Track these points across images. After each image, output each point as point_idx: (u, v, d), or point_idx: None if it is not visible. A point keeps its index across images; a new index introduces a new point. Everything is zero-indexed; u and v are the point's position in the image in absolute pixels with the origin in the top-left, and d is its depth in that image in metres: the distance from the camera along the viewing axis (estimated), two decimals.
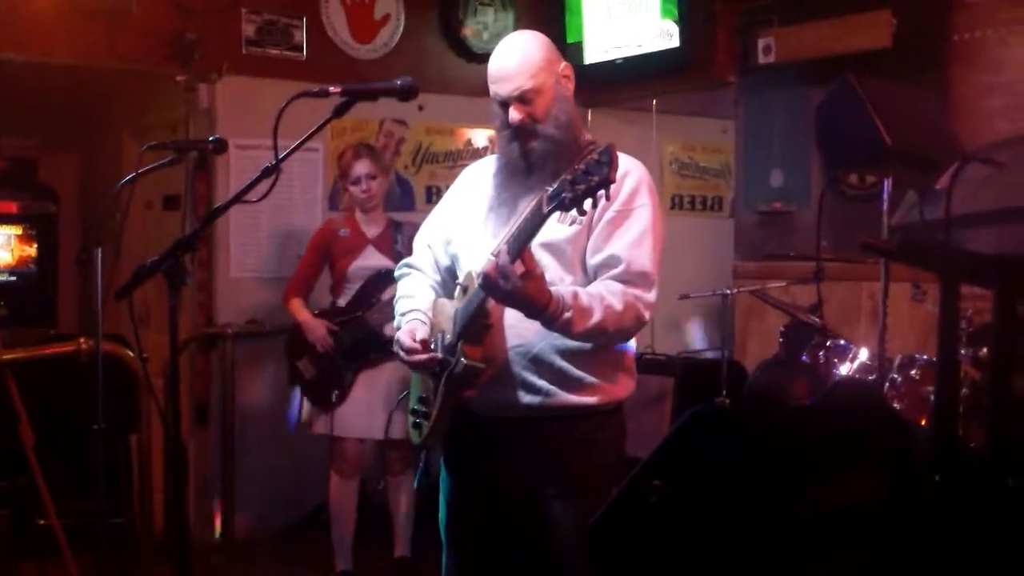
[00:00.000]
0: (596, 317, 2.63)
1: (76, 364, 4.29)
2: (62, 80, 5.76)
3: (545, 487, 2.84)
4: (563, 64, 2.88)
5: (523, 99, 2.77)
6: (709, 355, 5.33)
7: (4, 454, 4.67)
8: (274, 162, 2.67)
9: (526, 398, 2.81)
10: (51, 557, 4.68)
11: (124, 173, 5.67)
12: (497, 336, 2.80)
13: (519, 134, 2.79)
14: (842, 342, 3.89)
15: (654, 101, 6.60)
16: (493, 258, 2.58)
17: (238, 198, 2.83)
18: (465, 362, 2.75)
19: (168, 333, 2.79)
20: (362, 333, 4.65)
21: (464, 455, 2.98)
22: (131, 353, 4.79)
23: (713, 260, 6.55)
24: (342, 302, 4.78)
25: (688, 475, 1.89)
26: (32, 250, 6.63)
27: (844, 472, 1.85)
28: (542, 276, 2.57)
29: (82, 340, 4.41)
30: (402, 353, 2.87)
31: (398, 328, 2.96)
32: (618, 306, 2.67)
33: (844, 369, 3.81)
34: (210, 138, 3.59)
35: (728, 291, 4.92)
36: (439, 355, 2.82)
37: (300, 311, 4.78)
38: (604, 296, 2.67)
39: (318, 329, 4.70)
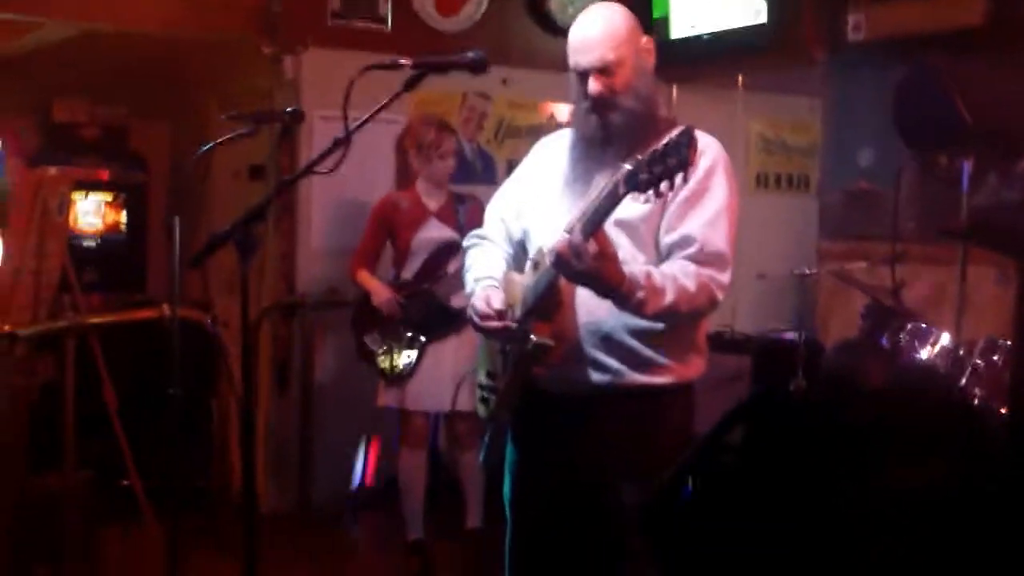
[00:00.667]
0: (669, 298, 2.60)
1: (160, 329, 4.38)
2: (152, 50, 5.86)
3: (615, 467, 2.82)
4: (645, 38, 2.84)
5: (604, 70, 2.74)
6: (789, 335, 5.25)
7: (89, 417, 4.80)
8: (345, 134, 2.67)
9: (596, 377, 2.80)
10: (134, 519, 4.80)
11: (213, 139, 5.79)
12: (568, 313, 2.78)
13: (598, 106, 2.76)
14: (923, 325, 3.80)
15: (740, 78, 6.50)
16: (566, 235, 2.56)
17: (308, 170, 2.86)
18: (535, 339, 2.74)
19: (240, 301, 2.82)
20: (430, 306, 4.66)
21: (531, 432, 2.98)
22: (212, 320, 4.89)
23: (798, 239, 6.45)
24: (407, 275, 4.78)
25: (746, 458, 1.86)
26: (122, 217, 6.77)
27: (909, 461, 1.82)
28: (615, 255, 2.54)
29: (166, 306, 4.48)
30: (476, 318, 2.86)
31: (471, 294, 2.95)
32: (691, 287, 2.64)
33: (924, 353, 3.72)
34: (288, 109, 3.63)
35: (807, 271, 4.83)
36: (512, 324, 2.80)
37: (368, 280, 4.80)
38: (678, 277, 2.64)
39: (385, 293, 4.72)
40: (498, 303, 2.84)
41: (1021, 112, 2.49)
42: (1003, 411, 3.20)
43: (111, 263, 6.47)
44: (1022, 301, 1.90)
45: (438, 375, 4.63)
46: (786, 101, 7.02)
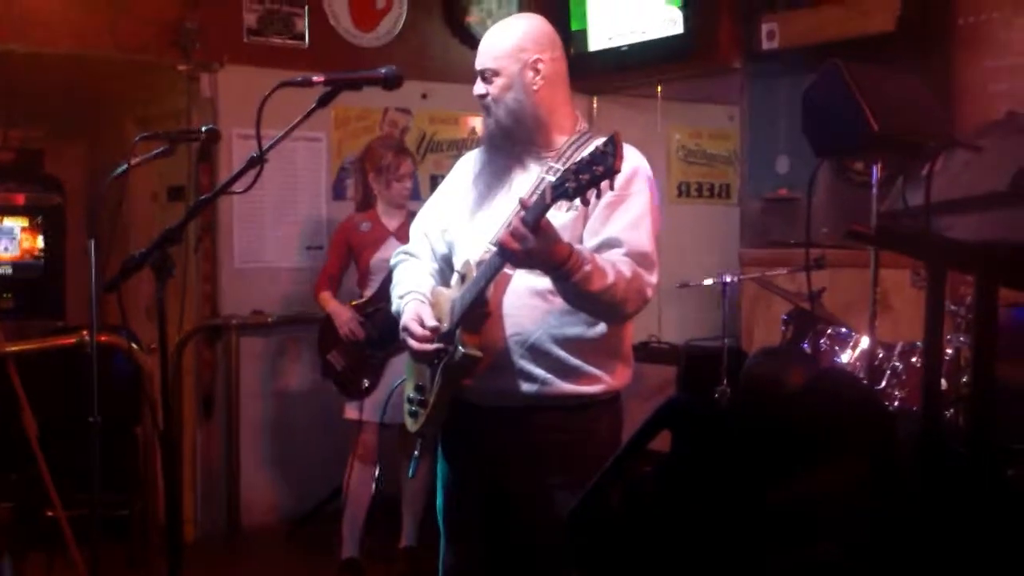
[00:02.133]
0: (611, 277, 2.62)
1: (80, 356, 4.29)
2: (66, 70, 5.76)
3: (547, 477, 2.82)
4: (536, 56, 2.88)
5: (484, 76, 2.91)
6: (714, 344, 5.30)
7: (8, 446, 4.69)
8: (257, 153, 2.66)
9: (524, 387, 2.80)
10: (58, 548, 4.69)
11: (129, 160, 5.67)
12: (495, 325, 2.79)
13: (484, 107, 2.92)
14: (843, 330, 3.86)
15: (659, 88, 6.57)
16: (492, 247, 2.63)
17: (222, 190, 2.85)
18: (463, 350, 2.74)
19: (157, 326, 2.78)
20: (388, 322, 4.69)
21: (461, 444, 2.97)
22: (134, 346, 4.81)
23: (721, 248, 6.53)
24: (368, 294, 4.86)
25: (662, 468, 1.87)
26: (39, 241, 6.64)
27: (821, 462, 1.83)
28: (558, 235, 2.57)
29: (85, 332, 4.40)
30: (411, 341, 2.86)
31: (398, 313, 2.96)
32: (627, 272, 2.67)
33: (845, 357, 3.78)
34: (203, 128, 3.58)
35: (727, 278, 4.88)
36: (443, 345, 2.81)
37: (328, 301, 4.90)
38: (615, 262, 2.68)
39: (344, 314, 4.82)
40: (430, 320, 2.85)
41: (922, 117, 2.54)
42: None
43: (28, 289, 6.34)
44: (932, 301, 1.93)
45: (394, 386, 4.65)
46: (705, 110, 7.11)
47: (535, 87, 2.87)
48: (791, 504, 1.84)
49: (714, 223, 6.96)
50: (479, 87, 2.90)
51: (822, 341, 3.89)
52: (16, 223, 6.59)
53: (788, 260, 5.15)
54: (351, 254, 4.93)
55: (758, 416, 2.07)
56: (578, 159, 2.43)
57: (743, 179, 6.03)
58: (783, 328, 4.27)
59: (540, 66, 2.88)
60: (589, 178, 2.39)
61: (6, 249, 6.41)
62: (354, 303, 4.88)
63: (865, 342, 3.79)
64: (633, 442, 1.93)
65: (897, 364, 3.66)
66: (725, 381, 4.55)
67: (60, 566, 4.72)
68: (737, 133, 6.41)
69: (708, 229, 6.91)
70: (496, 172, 2.90)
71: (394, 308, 3.01)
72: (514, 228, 2.52)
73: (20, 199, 6.66)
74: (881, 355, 3.73)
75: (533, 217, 2.49)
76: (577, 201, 2.47)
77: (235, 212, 5.59)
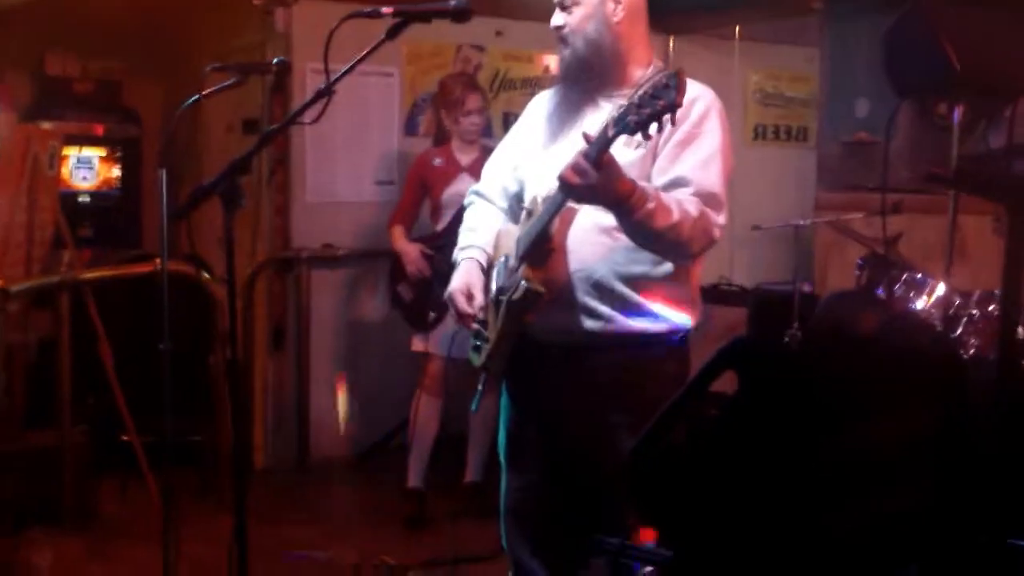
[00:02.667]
0: (675, 216, 2.59)
1: (155, 284, 4.36)
2: (144, 4, 5.80)
3: (609, 416, 2.81)
4: None
5: (563, 5, 2.85)
6: (786, 287, 5.23)
7: (86, 372, 4.80)
8: (326, 85, 2.65)
9: (587, 324, 2.79)
10: (132, 472, 4.81)
11: (203, 101, 5.71)
12: (560, 261, 2.78)
13: (560, 40, 2.86)
14: (919, 276, 3.77)
15: (737, 29, 6.44)
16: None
17: (290, 121, 2.87)
18: (526, 285, 2.74)
19: (225, 255, 2.80)
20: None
21: (524, 380, 2.96)
22: (205, 275, 4.88)
23: (797, 191, 6.43)
24: (439, 227, 4.91)
25: (726, 408, 1.85)
26: (117, 172, 6.73)
27: (890, 410, 1.80)
28: (621, 171, 2.53)
29: (158, 261, 4.47)
30: (451, 303, 2.93)
31: (455, 264, 3.00)
32: (693, 211, 2.63)
33: (920, 303, 3.69)
34: (273, 60, 3.58)
35: (801, 222, 4.80)
36: (481, 328, 2.89)
37: (398, 239, 4.97)
38: (681, 201, 2.64)
39: (412, 252, 4.89)
40: (479, 294, 2.90)
41: (1009, 56, 2.45)
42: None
43: (106, 218, 6.44)
44: (1010, 248, 1.88)
45: None
46: (784, 52, 6.97)
47: (616, 19, 2.81)
48: (858, 451, 1.81)
49: (790, 166, 6.85)
50: (557, 17, 2.84)
51: (897, 287, 3.80)
52: (95, 153, 6.68)
53: (865, 204, 5.04)
54: (424, 189, 4.98)
55: (828, 359, 2.04)
56: (640, 92, 2.40)
57: (821, 122, 5.92)
58: (857, 273, 4.18)
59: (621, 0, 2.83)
60: (650, 112, 2.36)
61: (84, 179, 6.51)
62: (424, 236, 4.95)
63: (941, 288, 3.70)
64: (696, 381, 1.91)
65: (974, 312, 3.56)
66: (796, 324, 4.48)
67: (134, 491, 4.85)
68: (815, 76, 6.28)
69: (784, 172, 6.80)
70: (568, 108, 2.86)
71: (453, 258, 3.04)
72: (575, 162, 2.49)
73: (99, 130, 6.74)
74: (958, 302, 3.63)
75: (595, 151, 2.46)
76: (642, 138, 2.44)
77: (308, 146, 5.62)
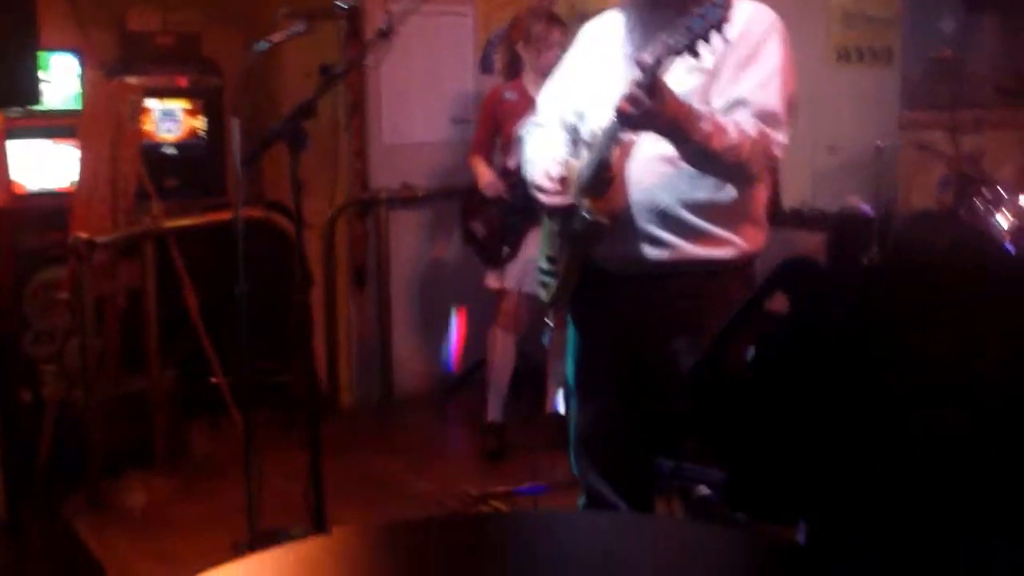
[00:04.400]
0: (733, 137, 2.58)
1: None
2: None
3: (676, 342, 2.79)
4: None
5: None
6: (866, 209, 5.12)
7: (175, 317, 4.93)
8: (387, 26, 2.65)
9: (653, 252, 2.77)
10: (223, 414, 4.94)
11: (282, 48, 5.75)
12: (620, 190, 2.75)
13: None
14: (1000, 190, 3.68)
15: None
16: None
17: (353, 65, 2.86)
18: (588, 216, 2.72)
19: (293, 198, 2.84)
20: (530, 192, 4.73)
21: (591, 310, 2.96)
22: (287, 219, 4.94)
23: (882, 113, 6.25)
24: (512, 163, 4.85)
25: (781, 329, 1.82)
26: (200, 123, 6.81)
27: (955, 327, 1.75)
28: (674, 94, 2.51)
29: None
30: (539, 194, 2.88)
31: (528, 180, 2.97)
32: (752, 132, 2.61)
33: (1001, 218, 3.61)
34: (342, 4, 3.58)
35: (879, 143, 4.68)
36: (573, 200, 2.80)
37: (478, 165, 4.99)
38: (739, 122, 2.62)
39: (487, 176, 4.91)
40: (557, 173, 2.83)
41: None
42: None
43: (191, 169, 6.51)
44: None
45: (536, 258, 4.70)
46: None
47: None
48: (919, 368, 1.77)
49: (875, 88, 6.66)
50: None
51: (979, 203, 3.72)
52: (178, 105, 6.76)
53: (950, 122, 4.89)
54: (496, 124, 4.95)
55: (891, 280, 1.99)
56: (690, 16, 2.37)
57: (904, 39, 5.74)
58: (939, 192, 4.09)
59: None
60: (698, 31, 2.34)
61: (169, 131, 6.59)
62: (499, 173, 4.94)
63: (1023, 201, 3.60)
64: (750, 303, 1.89)
65: None
66: (875, 248, 4.39)
67: (224, 429, 4.98)
68: None
69: (869, 94, 6.61)
70: (640, 36, 2.74)
71: (524, 175, 3.01)
72: (629, 92, 2.46)
73: (182, 82, 6.82)
74: None
75: (649, 77, 2.43)
76: (692, 57, 2.40)
77: (383, 89, 5.63)
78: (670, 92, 2.48)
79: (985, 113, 4.22)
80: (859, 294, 1.87)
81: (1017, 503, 1.78)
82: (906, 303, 1.86)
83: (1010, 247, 3.43)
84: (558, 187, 2.82)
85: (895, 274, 2.15)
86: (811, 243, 4.97)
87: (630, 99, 2.46)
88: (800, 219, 5.15)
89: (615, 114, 2.54)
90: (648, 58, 2.45)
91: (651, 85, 2.43)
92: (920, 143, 4.62)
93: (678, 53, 2.39)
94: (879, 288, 1.95)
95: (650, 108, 2.45)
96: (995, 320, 1.88)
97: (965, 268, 2.04)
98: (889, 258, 3.20)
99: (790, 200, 5.36)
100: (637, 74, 2.48)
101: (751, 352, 1.96)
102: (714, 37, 2.35)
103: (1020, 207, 3.55)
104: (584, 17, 6.03)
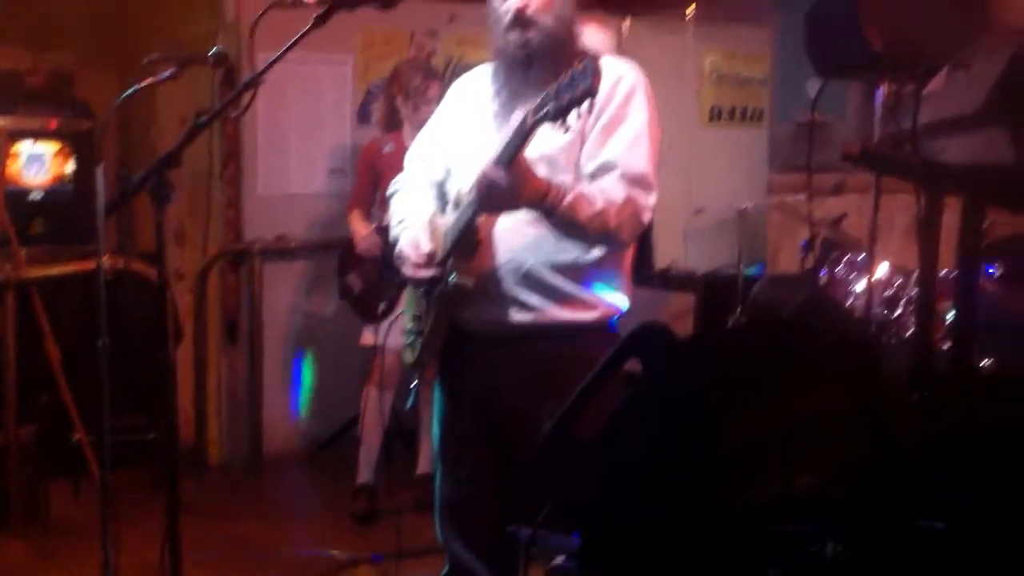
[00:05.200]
0: (599, 205, 2.60)
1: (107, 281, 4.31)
2: None
3: (541, 406, 2.78)
4: None
5: None
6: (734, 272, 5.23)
7: (34, 371, 4.75)
8: (253, 75, 2.62)
9: (518, 315, 2.77)
10: (85, 472, 4.77)
11: (156, 93, 5.64)
12: (487, 252, 2.75)
13: (518, 21, 2.72)
14: (861, 256, 3.78)
15: (692, 8, 6.41)
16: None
17: (219, 113, 2.83)
18: (455, 279, 2.71)
19: (156, 251, 2.77)
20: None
21: (457, 373, 2.93)
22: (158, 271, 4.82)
23: (753, 173, 6.40)
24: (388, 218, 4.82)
25: (630, 397, 1.83)
26: (70, 167, 6.65)
27: (798, 392, 1.78)
28: (533, 171, 2.53)
29: (105, 257, 4.42)
30: (408, 268, 2.85)
31: (395, 241, 2.93)
32: (618, 199, 2.63)
33: (862, 284, 3.70)
34: (210, 52, 3.52)
35: (743, 205, 4.79)
36: (436, 271, 2.79)
37: (354, 220, 4.96)
38: (604, 189, 2.64)
39: (364, 233, 4.87)
40: (427, 246, 2.81)
41: (943, 32, 2.43)
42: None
43: (59, 215, 6.34)
44: (922, 228, 1.86)
45: None
46: (740, 31, 6.92)
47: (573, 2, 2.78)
48: (760, 438, 1.79)
49: (746, 148, 6.82)
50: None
51: (840, 268, 3.81)
52: (47, 148, 6.59)
53: (817, 186, 5.03)
54: (375, 175, 4.90)
55: (737, 344, 2.02)
56: (557, 81, 2.37)
57: (773, 102, 5.90)
58: (802, 255, 4.19)
59: None
60: (569, 98, 2.33)
61: (37, 174, 6.42)
62: (377, 227, 4.87)
63: (884, 269, 3.70)
64: (603, 368, 1.89)
65: (912, 292, 3.57)
66: (740, 309, 4.48)
67: (87, 488, 4.80)
68: (770, 55, 6.27)
69: (740, 154, 6.77)
70: (509, 95, 2.78)
71: (392, 237, 2.99)
72: (484, 173, 2.47)
73: (51, 124, 6.65)
74: (898, 283, 3.64)
75: (511, 151, 2.45)
76: (562, 125, 2.40)
77: (259, 138, 5.57)
78: (528, 169, 2.50)
79: (847, 177, 4.33)
80: (708, 360, 1.88)
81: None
82: (751, 369, 1.88)
83: (867, 312, 3.51)
84: (424, 261, 2.81)
85: (742, 340, 2.18)
86: (682, 303, 5.05)
87: (487, 179, 2.47)
88: (668, 280, 5.24)
89: (473, 191, 2.55)
90: (509, 142, 2.45)
91: (511, 161, 2.44)
92: (784, 205, 4.73)
93: (550, 121, 2.39)
94: (727, 353, 1.97)
95: (507, 188, 2.47)
96: (838, 384, 1.92)
97: (808, 333, 2.08)
98: (743, 321, 3.25)
99: (662, 260, 5.45)
100: (504, 136, 2.49)
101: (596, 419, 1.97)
102: (583, 107, 2.35)
103: (880, 273, 3.64)
104: (463, 70, 6.11)
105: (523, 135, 2.45)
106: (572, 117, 2.39)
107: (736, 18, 6.71)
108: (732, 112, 7.10)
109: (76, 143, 6.61)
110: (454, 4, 5.94)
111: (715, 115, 7.03)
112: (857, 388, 1.79)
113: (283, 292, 5.68)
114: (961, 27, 2.33)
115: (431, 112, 4.69)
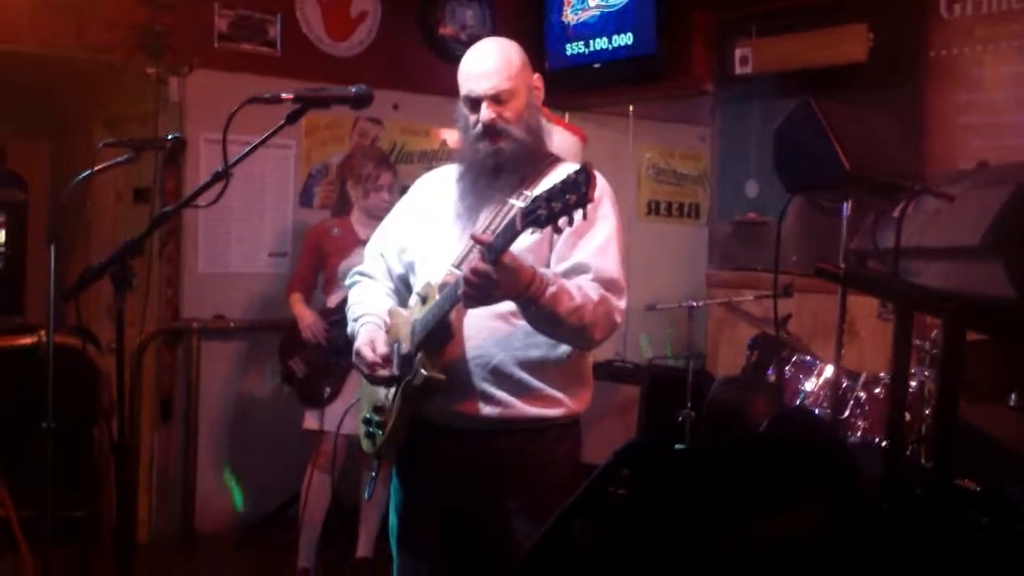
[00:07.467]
0: (577, 299, 2.61)
1: (36, 356, 4.23)
2: (31, 68, 5.68)
3: (504, 501, 2.79)
4: (536, 75, 2.89)
5: (498, 99, 2.77)
6: (678, 364, 5.31)
7: None
8: (224, 167, 2.63)
9: (485, 410, 2.77)
10: (11, 550, 4.62)
11: (94, 164, 5.59)
12: (457, 347, 2.76)
13: (489, 133, 2.77)
14: (808, 358, 3.86)
15: (631, 107, 6.58)
16: (454, 270, 2.61)
17: (187, 203, 2.83)
18: (425, 374, 2.71)
19: (115, 335, 2.74)
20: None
21: (418, 465, 2.93)
22: (92, 348, 4.74)
23: (690, 267, 6.54)
24: (333, 300, 4.80)
25: (617, 514, 1.85)
26: (1, 237, 6.54)
27: (783, 507, 1.82)
28: (519, 261, 2.53)
29: (43, 332, 4.35)
30: (363, 367, 2.85)
31: (353, 336, 2.93)
32: (594, 296, 2.65)
33: (810, 385, 3.78)
34: (168, 136, 3.53)
35: (694, 303, 4.88)
36: (393, 373, 2.81)
37: (296, 304, 4.89)
38: (581, 285, 2.66)
39: (308, 317, 4.81)
40: (383, 347, 2.83)
41: (893, 157, 2.53)
42: (883, 443, 3.25)
43: None
44: (897, 345, 1.92)
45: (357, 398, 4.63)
46: (677, 130, 7.12)
47: (538, 106, 2.84)
48: (751, 550, 1.82)
49: (683, 242, 6.97)
50: (488, 112, 2.76)
51: (787, 368, 3.89)
52: None
53: (755, 284, 5.15)
54: (320, 258, 4.90)
55: (719, 458, 2.05)
56: (550, 187, 2.37)
57: (712, 202, 6.04)
58: (748, 353, 4.27)
59: (539, 84, 2.87)
60: (562, 206, 2.33)
61: None
62: (320, 310, 4.86)
63: (829, 371, 3.79)
64: (593, 483, 1.91)
65: (861, 394, 3.66)
66: (689, 404, 4.54)
67: (12, 568, 4.65)
68: (708, 153, 6.43)
69: (677, 248, 6.92)
70: (475, 200, 2.82)
71: (349, 331, 2.99)
72: (474, 269, 2.47)
73: None
74: (845, 384, 3.73)
75: (500, 246, 2.44)
76: (552, 231, 2.41)
77: (201, 218, 5.54)
78: (516, 260, 2.51)
79: (792, 278, 4.44)
80: (696, 475, 1.91)
81: None
82: (731, 486, 1.91)
83: (817, 412, 3.59)
84: (380, 361, 2.81)
85: (726, 454, 2.22)
86: (629, 395, 5.10)
87: (479, 273, 2.47)
88: (613, 372, 5.29)
89: (460, 289, 2.54)
90: (502, 227, 2.47)
91: (499, 256, 2.45)
92: (727, 304, 4.83)
93: (540, 226, 2.38)
94: (713, 470, 2.00)
95: (497, 280, 2.47)
96: (819, 497, 1.96)
97: (789, 446, 2.12)
98: (712, 431, 3.29)
99: (603, 353, 5.50)
100: (474, 233, 2.50)
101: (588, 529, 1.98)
102: (577, 214, 2.34)
103: (827, 374, 3.73)
104: (407, 157, 6.18)
105: (510, 238, 2.45)
106: (562, 223, 2.37)
107: (673, 118, 6.91)
108: (669, 207, 7.26)
109: (8, 214, 6.53)
110: (398, 93, 6.01)
111: (652, 209, 7.19)
112: (839, 503, 1.83)
113: (220, 371, 5.61)
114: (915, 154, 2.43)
115: (381, 200, 4.78)
